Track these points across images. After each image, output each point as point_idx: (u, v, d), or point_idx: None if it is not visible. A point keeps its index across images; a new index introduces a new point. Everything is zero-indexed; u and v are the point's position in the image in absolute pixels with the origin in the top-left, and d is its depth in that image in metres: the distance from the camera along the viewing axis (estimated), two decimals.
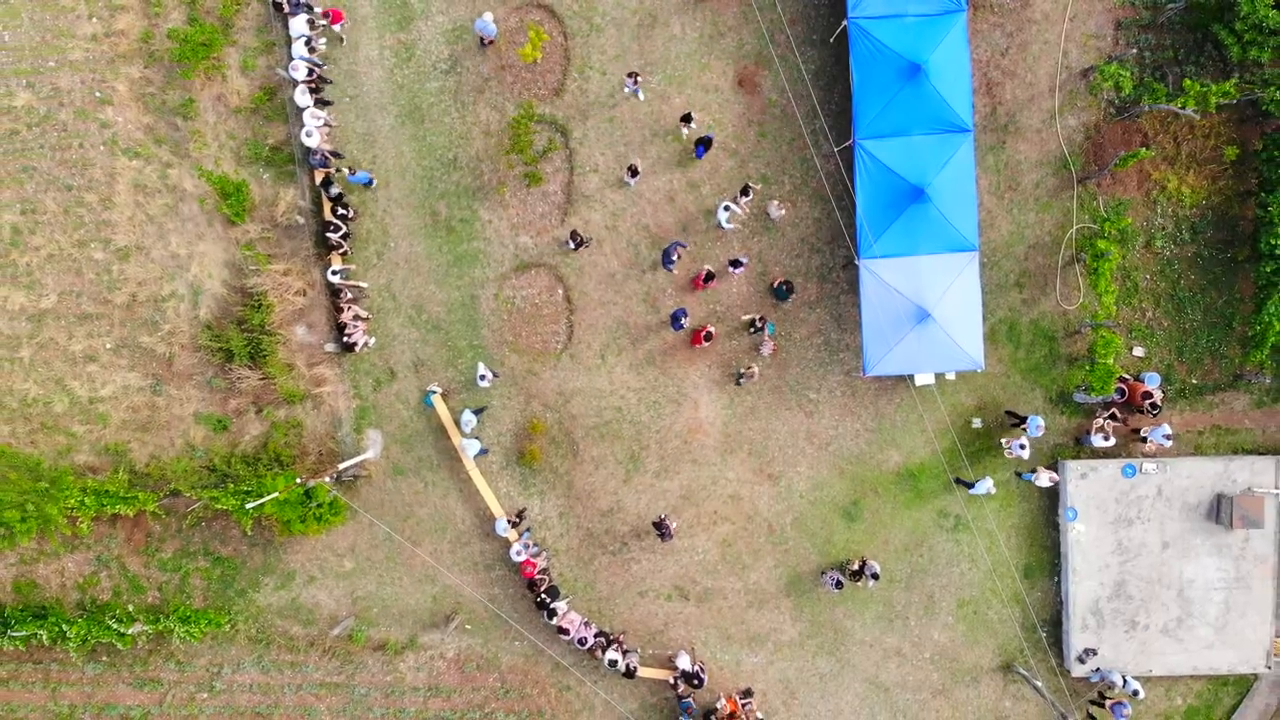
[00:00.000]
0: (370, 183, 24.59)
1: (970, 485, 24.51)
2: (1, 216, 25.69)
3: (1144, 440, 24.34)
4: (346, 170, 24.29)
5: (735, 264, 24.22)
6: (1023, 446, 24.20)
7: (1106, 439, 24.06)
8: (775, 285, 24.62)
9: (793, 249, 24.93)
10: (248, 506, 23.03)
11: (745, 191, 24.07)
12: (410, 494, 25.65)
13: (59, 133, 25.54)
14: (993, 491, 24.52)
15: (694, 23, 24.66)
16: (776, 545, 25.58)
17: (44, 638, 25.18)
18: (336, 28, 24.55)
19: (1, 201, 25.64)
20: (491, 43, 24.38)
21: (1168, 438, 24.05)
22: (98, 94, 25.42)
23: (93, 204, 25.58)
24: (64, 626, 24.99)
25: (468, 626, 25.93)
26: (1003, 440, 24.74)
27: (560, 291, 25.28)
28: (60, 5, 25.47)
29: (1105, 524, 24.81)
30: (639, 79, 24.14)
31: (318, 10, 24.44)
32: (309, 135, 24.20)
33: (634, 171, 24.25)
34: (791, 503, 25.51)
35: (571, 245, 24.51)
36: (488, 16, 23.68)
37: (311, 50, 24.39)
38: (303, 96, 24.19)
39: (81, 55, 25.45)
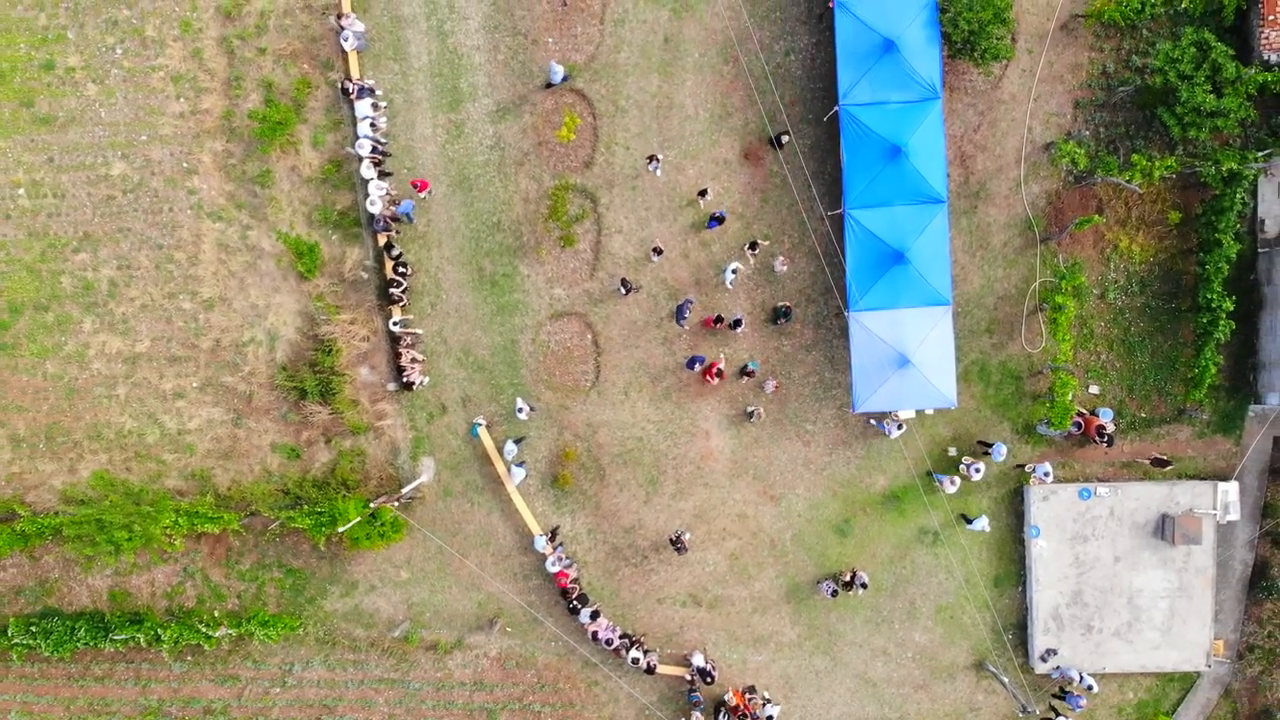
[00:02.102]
0: (410, 213, 27.95)
1: (970, 521, 28.17)
2: (100, 271, 29.44)
3: (1031, 470, 28.06)
4: (392, 197, 27.88)
5: (736, 324, 28.00)
6: (977, 470, 27.80)
7: (953, 484, 27.87)
8: (776, 308, 28.27)
9: (791, 299, 28.60)
10: (340, 530, 26.73)
11: (753, 246, 27.82)
12: (458, 513, 29.37)
13: (151, 198, 29.28)
14: (987, 529, 28.11)
15: (705, 105, 28.37)
16: (778, 558, 29.24)
17: (141, 640, 28.88)
18: (423, 194, 28.28)
19: (100, 258, 29.39)
20: (552, 86, 27.87)
21: (1047, 474, 27.73)
22: (185, 165, 29.16)
23: (181, 261, 29.34)
24: (159, 630, 28.71)
25: (508, 629, 29.62)
26: (963, 460, 28.36)
27: (589, 336, 28.99)
28: (151, 86, 29.21)
29: (1064, 540, 28.45)
30: (658, 160, 27.84)
31: (379, 94, 28.19)
32: (372, 204, 27.98)
33: (658, 251, 28.00)
34: (791, 520, 29.18)
35: (623, 291, 28.16)
36: (558, 67, 27.27)
37: (374, 129, 28.13)
38: (367, 170, 27.96)
39: (170, 131, 29.20)
